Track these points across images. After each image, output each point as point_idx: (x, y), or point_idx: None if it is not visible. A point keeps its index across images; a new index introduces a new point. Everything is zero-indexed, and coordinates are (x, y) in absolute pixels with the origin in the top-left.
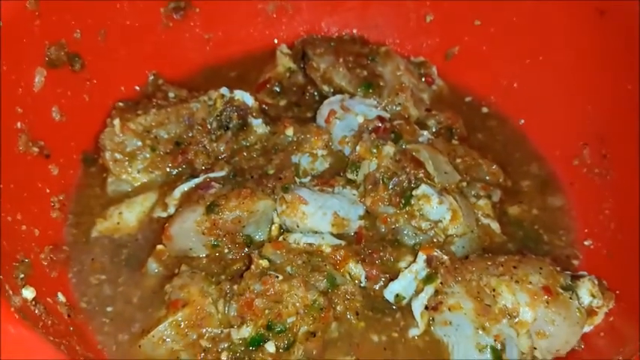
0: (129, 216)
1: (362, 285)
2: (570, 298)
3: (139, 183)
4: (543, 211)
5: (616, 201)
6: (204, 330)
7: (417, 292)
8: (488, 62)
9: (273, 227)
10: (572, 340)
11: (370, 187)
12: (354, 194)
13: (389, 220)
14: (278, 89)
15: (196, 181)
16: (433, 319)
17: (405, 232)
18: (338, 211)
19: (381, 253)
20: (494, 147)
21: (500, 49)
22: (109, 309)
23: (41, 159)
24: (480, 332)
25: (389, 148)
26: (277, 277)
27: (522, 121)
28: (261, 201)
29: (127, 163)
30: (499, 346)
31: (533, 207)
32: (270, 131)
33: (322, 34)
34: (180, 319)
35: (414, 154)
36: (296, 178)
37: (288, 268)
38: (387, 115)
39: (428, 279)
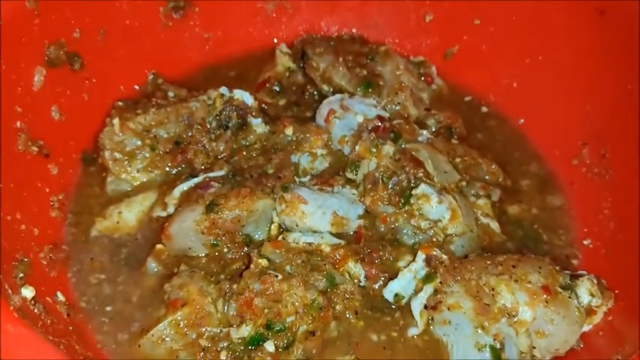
0: (128, 215)
1: (361, 284)
2: (569, 298)
3: (138, 182)
4: (543, 210)
5: (615, 200)
6: (204, 329)
7: (417, 292)
8: (488, 62)
9: (272, 226)
10: (571, 340)
11: (370, 186)
12: (353, 193)
13: (388, 219)
14: (277, 89)
15: (196, 180)
16: (432, 318)
17: (405, 231)
18: (337, 211)
19: (381, 253)
20: (493, 146)
21: (500, 49)
22: (108, 308)
23: (41, 158)
24: (479, 331)
25: (388, 148)
26: (276, 276)
27: (522, 120)
28: (261, 200)
29: (126, 162)
30: (498, 346)
31: (532, 206)
32: (269, 131)
33: (322, 33)
34: (179, 318)
35: (413, 153)
36: (295, 178)
37: (288, 268)
38: (386, 115)
39: (427, 278)
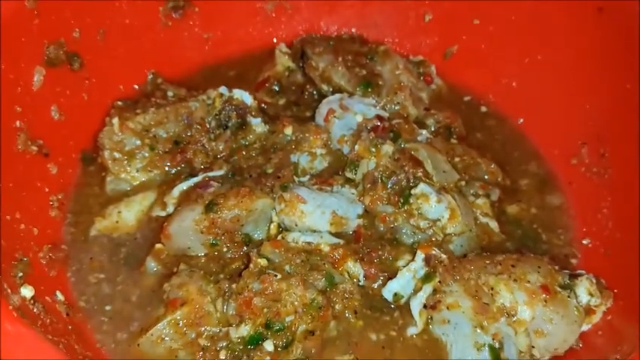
0: (128, 215)
1: (360, 284)
2: (568, 297)
3: (137, 182)
4: (542, 210)
5: (614, 200)
6: (203, 329)
7: (416, 291)
8: (487, 61)
9: (271, 226)
10: (570, 339)
11: (369, 185)
12: (352, 193)
13: (387, 218)
14: (277, 88)
15: (195, 180)
16: (431, 317)
17: (404, 230)
18: (336, 210)
19: (380, 252)
20: (492, 146)
21: (499, 48)
22: (107, 308)
23: (40, 158)
24: (478, 331)
25: (388, 147)
26: (276, 275)
27: (521, 120)
28: (260, 200)
29: (125, 162)
30: (497, 345)
31: (531, 206)
32: (269, 130)
33: (321, 33)
34: (178, 317)
35: (412, 153)
36: (295, 177)
37: (287, 267)
38: (385, 114)
39: (426, 278)
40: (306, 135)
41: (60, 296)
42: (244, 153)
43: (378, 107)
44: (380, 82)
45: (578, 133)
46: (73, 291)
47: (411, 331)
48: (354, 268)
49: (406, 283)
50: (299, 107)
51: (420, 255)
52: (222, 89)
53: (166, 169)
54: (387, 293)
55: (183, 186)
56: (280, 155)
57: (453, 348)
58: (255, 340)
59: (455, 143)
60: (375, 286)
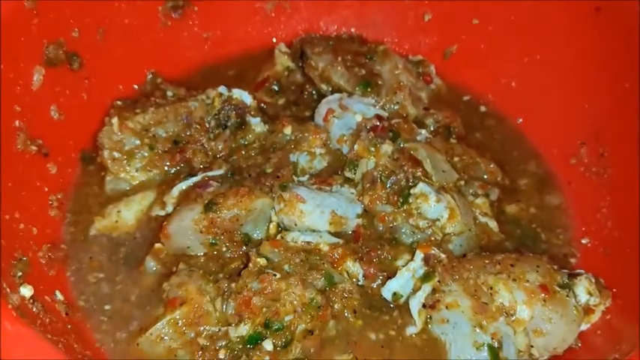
0: (127, 214)
1: (359, 283)
2: (567, 296)
3: (137, 181)
4: (541, 209)
5: (613, 199)
6: (202, 328)
7: (415, 291)
8: (487, 61)
9: (271, 225)
10: (569, 338)
11: (368, 185)
12: (352, 193)
13: (387, 218)
14: (276, 88)
15: (194, 179)
16: (430, 317)
17: (403, 230)
18: (336, 210)
19: (379, 252)
20: (492, 146)
21: (499, 48)
22: (107, 307)
23: (40, 157)
24: (478, 330)
25: (387, 147)
26: (275, 275)
27: (520, 119)
28: (259, 199)
29: (125, 161)
30: (496, 344)
31: (530, 205)
32: (268, 130)
33: (321, 32)
34: (178, 317)
35: (412, 152)
36: (294, 177)
37: (286, 267)
38: (385, 114)
39: (425, 277)
40: (306, 135)
41: (59, 296)
42: (243, 153)
43: (377, 107)
44: (379, 82)
45: (577, 132)
46: (72, 290)
47: (410, 330)
48: (354, 267)
49: (405, 282)
50: (298, 107)
51: (419, 254)
52: (222, 89)
53: (166, 168)
54: (386, 293)
55: (183, 185)
56: (279, 155)
57: (452, 347)
58: (255, 340)
59: (454, 143)
60: (374, 285)
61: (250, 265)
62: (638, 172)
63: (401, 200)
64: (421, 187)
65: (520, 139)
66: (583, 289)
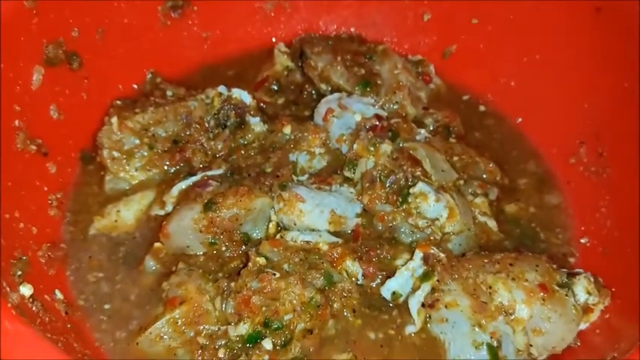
0: (126, 214)
1: (359, 282)
2: (566, 296)
3: (136, 181)
4: (540, 209)
5: (612, 199)
6: (202, 327)
7: (414, 290)
8: (486, 61)
9: (270, 225)
10: (568, 337)
11: (367, 185)
12: (351, 192)
13: (386, 217)
14: (276, 87)
15: (194, 179)
16: (430, 316)
17: (402, 229)
18: (335, 209)
19: (378, 251)
20: (491, 145)
21: (498, 48)
22: (106, 306)
23: (39, 157)
24: (477, 329)
25: (386, 147)
26: (274, 274)
27: (520, 119)
28: (259, 199)
29: (124, 161)
30: (495, 343)
31: (530, 205)
32: (267, 129)
33: (320, 32)
34: (177, 316)
35: (411, 152)
36: (293, 176)
37: (286, 266)
38: (384, 114)
39: (425, 276)
40: (305, 134)
41: (59, 295)
42: (243, 152)
43: (376, 106)
44: (379, 82)
45: (576, 132)
46: (72, 290)
47: (410, 329)
48: (353, 266)
49: (404, 281)
50: (298, 106)
51: (419, 254)
52: (221, 88)
53: (165, 168)
54: (386, 292)
55: (182, 185)
56: (279, 154)
57: (451, 346)
58: (254, 339)
59: (453, 142)
60: (374, 284)
61: (250, 264)
62: (637, 172)
63: (400, 200)
64: (420, 186)
65: (519, 139)
66: (582, 289)
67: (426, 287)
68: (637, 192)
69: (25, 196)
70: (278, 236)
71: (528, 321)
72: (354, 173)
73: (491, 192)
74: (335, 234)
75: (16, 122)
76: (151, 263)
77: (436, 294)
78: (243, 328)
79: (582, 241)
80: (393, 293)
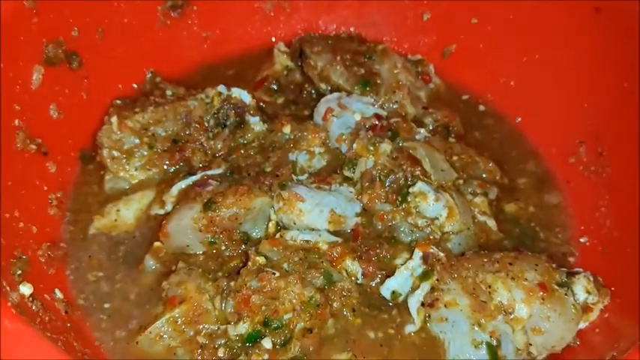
0: (126, 213)
1: (358, 282)
2: (566, 295)
3: (136, 180)
4: (540, 208)
5: (612, 198)
6: (201, 326)
7: (413, 289)
8: (485, 60)
9: (270, 224)
10: (567, 337)
11: (367, 184)
12: (350, 192)
13: (385, 217)
14: (275, 87)
15: (194, 178)
16: (429, 315)
17: (402, 229)
18: (335, 209)
19: (378, 250)
20: (490, 145)
21: (497, 48)
22: (106, 305)
23: (39, 156)
24: (476, 328)
25: (386, 146)
26: (274, 273)
27: (519, 119)
28: (258, 198)
29: (124, 160)
30: (495, 343)
31: (529, 204)
32: (267, 129)
33: (320, 32)
34: (177, 315)
35: (410, 151)
36: (293, 176)
37: (285, 265)
38: (384, 113)
39: (424, 276)
40: (305, 134)
41: (59, 294)
42: (243, 152)
43: (376, 106)
44: (378, 81)
45: (576, 131)
46: (71, 289)
47: (409, 329)
48: (352, 266)
49: (404, 281)
50: (297, 106)
51: (418, 253)
52: (221, 88)
53: (165, 167)
54: (385, 291)
55: (182, 184)
56: (279, 154)
57: (450, 346)
58: (254, 338)
59: (453, 142)
60: (373, 284)
61: (249, 263)
62: (637, 171)
63: (400, 199)
64: (420, 185)
65: (519, 138)
66: (581, 288)
67: (425, 286)
68: (637, 192)
69: (25, 195)
70: (278, 235)
71: (528, 320)
72: (353, 172)
73: (491, 191)
74: (334, 233)
75: (16, 122)
76: (150, 262)
77: (435, 293)
78: (243, 328)
79: (582, 240)
80: (393, 292)
